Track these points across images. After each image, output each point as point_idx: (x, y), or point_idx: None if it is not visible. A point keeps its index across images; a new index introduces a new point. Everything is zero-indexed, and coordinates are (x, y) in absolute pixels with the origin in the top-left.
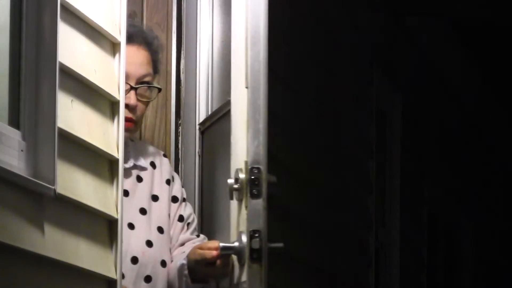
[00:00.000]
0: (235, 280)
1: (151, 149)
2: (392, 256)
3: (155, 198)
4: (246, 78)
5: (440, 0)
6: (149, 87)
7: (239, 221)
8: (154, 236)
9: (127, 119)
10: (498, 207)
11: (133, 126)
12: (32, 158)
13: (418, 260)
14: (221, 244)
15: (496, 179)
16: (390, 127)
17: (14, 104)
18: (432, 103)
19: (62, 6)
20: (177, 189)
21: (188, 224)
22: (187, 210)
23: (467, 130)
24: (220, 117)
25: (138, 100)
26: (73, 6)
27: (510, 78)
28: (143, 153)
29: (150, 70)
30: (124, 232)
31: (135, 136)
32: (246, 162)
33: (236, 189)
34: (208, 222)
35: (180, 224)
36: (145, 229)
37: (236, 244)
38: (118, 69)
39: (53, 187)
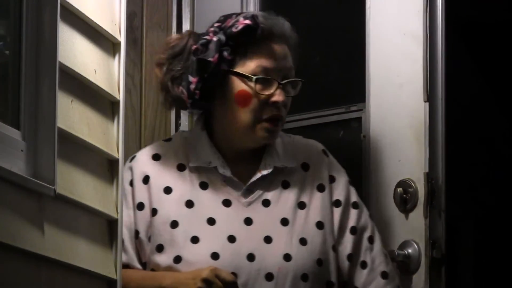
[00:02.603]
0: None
1: (304, 146)
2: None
3: (302, 205)
4: (426, 92)
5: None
6: (293, 82)
7: (404, 230)
8: (295, 249)
9: (274, 118)
10: (498, 206)
11: (279, 126)
12: (32, 158)
13: None
14: (397, 252)
15: (496, 179)
16: None
17: (14, 104)
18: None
19: (62, 6)
20: (340, 191)
21: (370, 238)
22: (362, 218)
23: (467, 129)
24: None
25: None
26: (73, 6)
27: (509, 78)
28: (293, 153)
29: (292, 64)
30: (259, 247)
31: (279, 132)
32: (426, 174)
33: (404, 199)
34: None
35: (352, 237)
36: (284, 242)
37: (410, 251)
38: (118, 69)
39: (53, 187)
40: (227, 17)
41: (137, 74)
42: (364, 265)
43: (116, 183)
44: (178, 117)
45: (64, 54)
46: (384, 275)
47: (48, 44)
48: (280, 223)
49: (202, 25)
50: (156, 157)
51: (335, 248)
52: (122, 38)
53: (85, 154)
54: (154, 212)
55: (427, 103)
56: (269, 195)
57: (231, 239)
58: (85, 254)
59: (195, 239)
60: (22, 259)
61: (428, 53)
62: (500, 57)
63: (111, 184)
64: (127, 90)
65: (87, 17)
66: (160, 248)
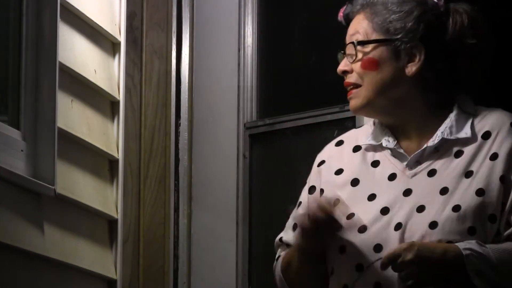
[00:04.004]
0: None
1: (491, 117)
2: None
3: (469, 174)
4: None
5: None
6: (350, 48)
7: None
8: (444, 216)
9: (347, 84)
10: None
11: (355, 94)
12: (32, 158)
13: None
14: None
15: None
16: None
17: (14, 104)
18: None
19: (62, 6)
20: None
21: None
22: None
23: None
24: (283, 129)
25: (349, 63)
26: (73, 6)
27: (509, 77)
28: (474, 123)
29: (358, 28)
30: (410, 216)
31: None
32: None
33: None
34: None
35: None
36: (436, 210)
37: None
38: (118, 69)
39: (53, 187)
40: None
41: (137, 74)
42: None
43: (116, 183)
44: (178, 117)
45: (64, 54)
46: None
47: (48, 44)
48: (439, 192)
49: (202, 25)
50: (338, 143)
51: (494, 218)
52: (122, 38)
53: (85, 154)
54: (321, 192)
55: None
56: (437, 165)
57: (384, 211)
58: (85, 254)
59: (350, 216)
60: (22, 259)
61: None
62: (508, 59)
63: (111, 184)
64: (127, 90)
65: (87, 17)
66: None
